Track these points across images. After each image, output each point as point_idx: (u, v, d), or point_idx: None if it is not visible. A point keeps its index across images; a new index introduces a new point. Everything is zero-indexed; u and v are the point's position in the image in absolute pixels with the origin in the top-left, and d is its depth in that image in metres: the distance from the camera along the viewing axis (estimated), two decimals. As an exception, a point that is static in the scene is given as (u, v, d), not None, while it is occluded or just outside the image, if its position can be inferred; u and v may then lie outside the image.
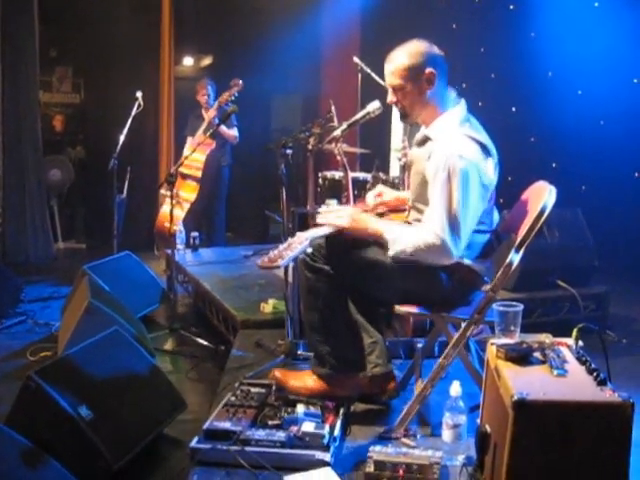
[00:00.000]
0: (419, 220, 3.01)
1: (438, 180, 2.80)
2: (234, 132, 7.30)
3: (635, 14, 6.38)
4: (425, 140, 3.02)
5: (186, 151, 7.16)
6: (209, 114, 7.02)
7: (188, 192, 7.01)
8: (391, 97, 3.04)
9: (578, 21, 6.72)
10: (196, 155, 6.61)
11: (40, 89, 8.27)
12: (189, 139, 7.37)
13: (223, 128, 6.96)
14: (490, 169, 2.88)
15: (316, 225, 3.05)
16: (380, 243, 2.92)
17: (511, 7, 7.37)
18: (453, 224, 2.77)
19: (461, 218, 2.78)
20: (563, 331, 2.53)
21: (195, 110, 7.46)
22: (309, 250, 2.97)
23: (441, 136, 2.90)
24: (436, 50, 2.98)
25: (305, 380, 3.11)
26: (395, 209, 3.43)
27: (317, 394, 3.05)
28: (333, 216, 2.99)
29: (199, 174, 7.00)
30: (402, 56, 2.95)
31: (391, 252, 2.86)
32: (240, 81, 6.83)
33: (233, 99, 6.81)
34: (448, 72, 2.99)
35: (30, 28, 7.53)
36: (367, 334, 3.09)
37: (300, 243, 2.84)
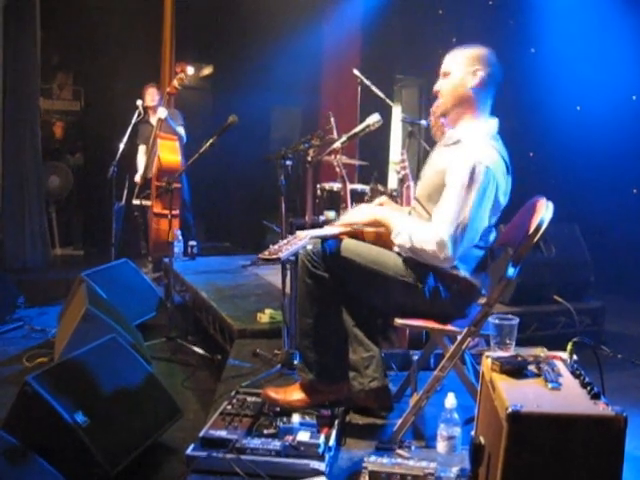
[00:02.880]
0: (422, 218, 3.04)
1: (459, 182, 2.81)
2: (181, 130, 7.14)
3: (635, 31, 6.42)
4: (454, 142, 3.01)
5: (141, 159, 7.12)
6: (161, 114, 6.87)
7: (175, 207, 6.94)
8: (437, 85, 3.07)
9: (578, 37, 6.77)
10: (170, 157, 6.53)
11: (40, 96, 8.31)
12: (142, 147, 7.30)
13: (171, 123, 6.90)
14: (507, 188, 2.94)
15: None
16: (382, 255, 2.95)
17: (511, 22, 7.41)
18: (460, 230, 2.79)
19: (469, 226, 2.80)
20: (559, 345, 2.54)
21: (143, 117, 7.31)
22: (309, 247, 2.97)
23: (472, 141, 2.91)
24: (496, 60, 3.03)
25: (294, 394, 3.12)
26: None
27: (307, 404, 3.06)
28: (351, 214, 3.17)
29: (178, 184, 6.83)
30: (461, 49, 3.04)
31: (396, 243, 2.93)
32: (187, 66, 6.70)
33: (181, 87, 6.74)
34: (495, 89, 3.05)
35: (32, 35, 7.58)
36: (364, 348, 3.08)
37: (300, 240, 2.88)
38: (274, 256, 2.70)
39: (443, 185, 2.90)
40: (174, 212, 6.67)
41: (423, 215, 3.05)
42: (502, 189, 2.89)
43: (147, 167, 7.11)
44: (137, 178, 7.23)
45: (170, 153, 6.69)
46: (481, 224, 2.87)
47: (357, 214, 3.15)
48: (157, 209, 6.75)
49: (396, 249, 2.99)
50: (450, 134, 3.07)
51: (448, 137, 3.07)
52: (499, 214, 3.00)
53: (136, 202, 7.08)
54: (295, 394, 3.10)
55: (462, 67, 2.99)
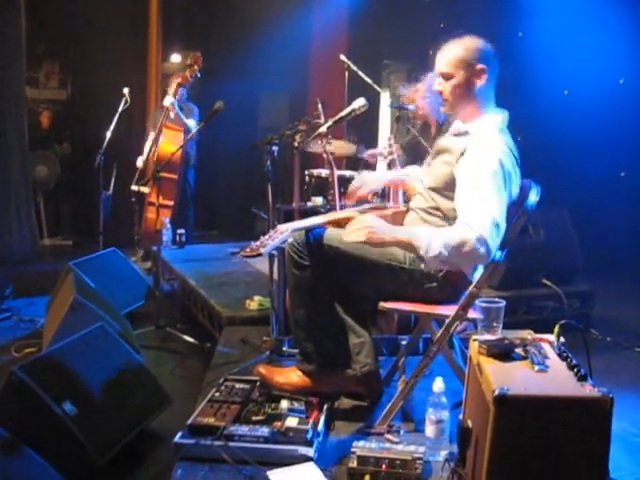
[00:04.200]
0: (433, 207, 2.99)
1: (481, 177, 2.74)
2: (190, 122, 7.02)
3: (622, 15, 6.42)
4: (461, 133, 2.98)
5: (147, 146, 7.09)
6: (167, 101, 6.83)
7: (165, 198, 6.93)
8: (438, 85, 3.01)
9: (565, 21, 6.76)
10: (168, 147, 6.50)
11: (27, 85, 8.26)
12: (152, 134, 7.19)
13: (180, 114, 6.88)
14: (518, 181, 2.89)
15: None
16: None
17: (498, 6, 7.39)
18: (494, 224, 2.69)
19: (500, 219, 2.73)
20: (548, 329, 2.53)
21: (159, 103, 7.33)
22: (290, 240, 2.96)
23: (482, 136, 2.87)
24: (492, 50, 2.97)
25: (290, 376, 3.11)
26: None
27: (301, 390, 3.05)
28: (352, 231, 2.79)
29: (175, 175, 6.86)
30: (457, 47, 2.95)
31: (427, 259, 2.72)
32: (200, 57, 6.67)
33: (194, 79, 6.71)
34: (495, 78, 2.99)
35: (17, 24, 7.51)
36: (355, 334, 3.09)
37: (281, 233, 2.86)
38: (255, 253, 2.69)
39: (451, 176, 2.87)
40: (163, 202, 6.70)
41: (423, 208, 3.02)
42: (514, 182, 2.84)
43: (150, 154, 7.05)
44: (139, 163, 7.18)
45: (170, 144, 6.62)
46: (505, 216, 2.79)
47: (375, 229, 2.76)
48: (151, 198, 6.71)
49: (423, 266, 2.87)
50: (458, 125, 3.04)
51: (455, 127, 3.05)
52: None
53: (134, 188, 7.03)
54: (292, 377, 3.11)
55: (464, 68, 2.91)
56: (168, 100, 6.83)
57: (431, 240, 2.69)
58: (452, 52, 2.95)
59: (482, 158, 2.78)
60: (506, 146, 2.85)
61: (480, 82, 2.92)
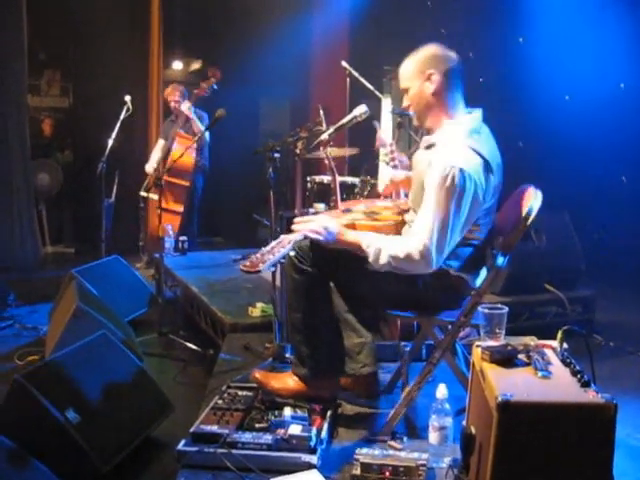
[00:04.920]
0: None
1: (434, 190, 2.75)
2: (202, 128, 7.06)
3: (622, 20, 6.42)
4: (430, 145, 2.98)
5: (156, 153, 7.16)
6: (184, 107, 6.99)
7: (176, 203, 7.01)
8: (404, 102, 3.04)
9: (566, 27, 6.76)
10: (183, 157, 6.56)
11: (29, 93, 8.27)
12: (160, 141, 7.35)
13: (196, 119, 6.96)
14: (490, 186, 2.82)
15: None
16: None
17: (499, 12, 7.40)
18: (440, 238, 2.73)
19: (449, 233, 2.74)
20: (551, 334, 2.53)
21: (170, 115, 7.48)
22: (292, 253, 2.96)
23: (445, 144, 2.86)
24: (448, 54, 2.96)
25: (286, 381, 3.11)
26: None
27: (297, 395, 3.05)
28: (306, 227, 2.87)
29: (187, 182, 6.98)
30: (409, 60, 2.98)
31: (376, 267, 2.81)
32: (218, 71, 6.79)
33: (210, 91, 6.81)
34: (461, 77, 2.97)
35: (19, 31, 7.52)
36: (356, 334, 3.08)
37: (283, 247, 2.83)
38: (254, 269, 2.66)
39: (422, 192, 2.86)
40: (174, 208, 6.91)
41: (413, 218, 3.01)
42: (482, 186, 2.77)
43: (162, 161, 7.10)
44: (148, 169, 7.21)
45: (186, 151, 6.69)
46: (463, 226, 2.80)
47: (325, 233, 2.84)
48: (163, 204, 6.74)
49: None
50: (426, 138, 3.03)
51: (424, 141, 3.05)
52: (494, 208, 2.93)
53: (143, 194, 7.07)
54: (288, 382, 3.10)
55: (416, 77, 2.93)
56: (185, 106, 6.95)
57: (380, 251, 2.79)
58: (405, 66, 2.99)
59: (441, 169, 2.73)
60: (471, 151, 2.78)
61: (437, 88, 2.90)
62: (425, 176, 2.84)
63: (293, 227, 2.92)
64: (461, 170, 2.70)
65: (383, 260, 2.78)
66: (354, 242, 2.85)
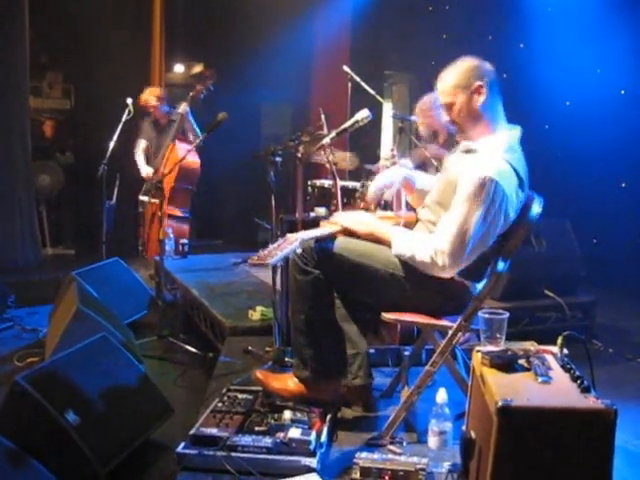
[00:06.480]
0: (430, 221, 3.02)
1: (465, 196, 2.77)
2: (197, 130, 7.11)
3: (622, 26, 6.43)
4: (469, 150, 2.98)
5: (141, 155, 7.15)
6: (181, 108, 6.95)
7: (184, 209, 7.04)
8: (445, 116, 3.03)
9: (567, 32, 6.77)
10: (189, 162, 6.59)
11: (30, 94, 8.27)
12: (142, 142, 7.26)
13: (192, 121, 6.95)
14: (518, 203, 2.84)
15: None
16: (371, 250, 2.95)
17: (500, 18, 7.42)
18: (460, 242, 2.76)
19: (472, 239, 2.76)
20: (551, 340, 2.53)
21: (149, 116, 7.33)
22: (299, 251, 2.96)
23: (485, 154, 2.85)
24: (486, 66, 2.96)
25: (286, 382, 3.12)
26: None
27: (297, 397, 3.06)
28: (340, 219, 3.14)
29: (193, 187, 7.00)
30: (450, 73, 2.96)
31: (394, 251, 2.93)
32: (213, 71, 6.76)
33: (206, 92, 6.81)
34: (499, 92, 2.96)
35: (21, 33, 7.52)
36: (350, 345, 3.12)
37: (290, 244, 2.85)
38: (264, 262, 2.69)
39: (453, 194, 2.86)
40: (180, 214, 6.90)
41: (431, 220, 3.02)
42: (512, 203, 2.80)
43: (159, 165, 7.06)
44: (145, 174, 7.18)
45: (189, 155, 6.71)
46: (487, 238, 2.81)
47: (355, 223, 3.09)
48: (169, 210, 6.76)
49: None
50: (467, 143, 3.02)
51: (464, 145, 3.04)
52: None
53: (144, 198, 7.03)
54: (289, 383, 3.11)
55: (460, 91, 2.91)
56: (183, 107, 6.93)
57: (402, 241, 2.93)
58: (446, 80, 2.97)
59: (478, 177, 2.75)
60: (508, 166, 2.80)
61: (481, 98, 2.90)
62: (459, 179, 2.85)
63: (333, 219, 3.16)
64: (497, 183, 2.72)
65: (400, 250, 2.92)
66: (383, 233, 3.01)
